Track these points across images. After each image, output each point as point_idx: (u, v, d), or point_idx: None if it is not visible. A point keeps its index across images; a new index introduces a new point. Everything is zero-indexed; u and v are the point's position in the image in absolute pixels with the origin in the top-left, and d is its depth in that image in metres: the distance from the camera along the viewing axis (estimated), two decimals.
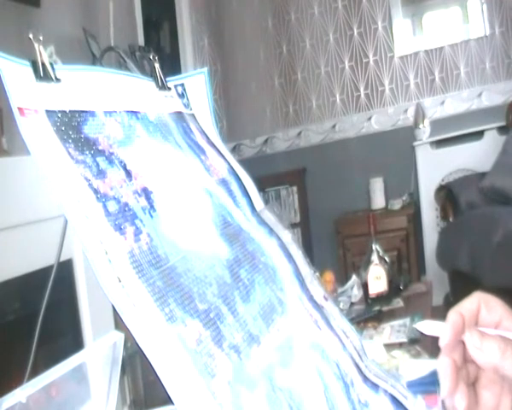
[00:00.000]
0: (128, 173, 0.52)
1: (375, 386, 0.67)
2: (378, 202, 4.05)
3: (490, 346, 0.46)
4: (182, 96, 0.71)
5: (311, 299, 0.68)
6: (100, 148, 0.51)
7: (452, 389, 0.47)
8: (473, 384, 0.50)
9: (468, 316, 0.49)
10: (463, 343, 0.48)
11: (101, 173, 0.49)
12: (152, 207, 0.52)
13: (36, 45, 0.49)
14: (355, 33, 4.14)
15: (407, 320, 1.86)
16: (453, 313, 0.49)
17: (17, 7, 2.32)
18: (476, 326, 0.49)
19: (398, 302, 2.14)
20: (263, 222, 0.69)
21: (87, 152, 0.49)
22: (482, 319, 0.49)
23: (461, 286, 3.13)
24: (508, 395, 0.48)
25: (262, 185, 3.68)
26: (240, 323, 0.53)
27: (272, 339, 0.56)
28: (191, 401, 0.43)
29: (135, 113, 0.59)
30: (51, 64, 0.50)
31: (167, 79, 0.69)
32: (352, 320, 1.06)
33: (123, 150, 0.53)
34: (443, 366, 0.48)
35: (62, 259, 0.74)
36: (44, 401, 0.59)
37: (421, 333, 0.50)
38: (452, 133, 3.83)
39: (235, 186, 0.68)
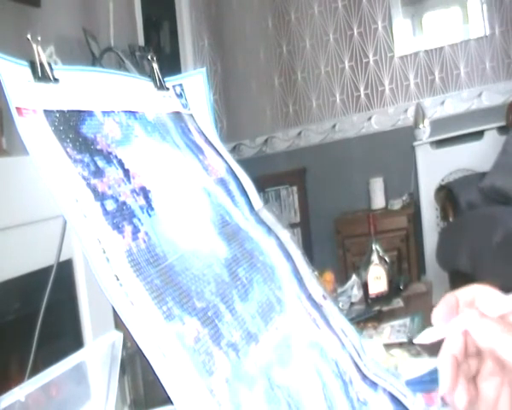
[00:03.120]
0: (126, 173, 0.52)
1: (374, 384, 0.67)
2: (378, 202, 4.05)
3: (489, 323, 0.46)
4: (180, 96, 0.71)
5: (310, 298, 0.68)
6: (98, 147, 0.51)
7: (452, 387, 0.47)
8: (473, 378, 0.50)
9: (462, 300, 0.50)
10: (465, 337, 0.48)
11: (99, 173, 0.49)
12: (150, 206, 0.52)
13: (34, 46, 0.49)
14: (355, 33, 4.14)
15: (407, 320, 1.85)
16: (447, 295, 0.50)
17: (17, 7, 2.32)
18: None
19: (398, 302, 2.14)
20: (261, 221, 0.70)
21: (85, 151, 0.49)
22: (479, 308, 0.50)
23: (461, 286, 3.12)
24: (507, 387, 0.48)
25: (262, 185, 3.68)
26: (238, 321, 0.53)
27: (271, 337, 0.56)
28: (189, 398, 0.44)
29: (133, 113, 0.59)
30: (49, 64, 0.50)
31: (166, 79, 0.69)
32: (351, 320, 1.06)
33: (121, 150, 0.54)
34: (444, 362, 0.48)
35: (62, 259, 0.74)
36: (43, 399, 0.59)
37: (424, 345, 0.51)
38: (452, 133, 3.83)
39: (233, 186, 0.68)
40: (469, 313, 0.48)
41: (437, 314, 0.50)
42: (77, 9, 2.82)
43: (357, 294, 2.17)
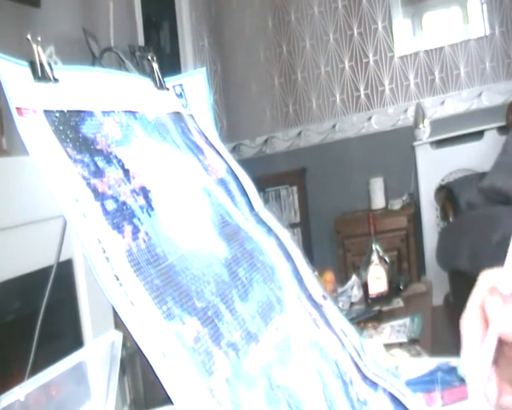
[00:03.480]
0: (126, 172, 0.52)
1: (374, 384, 0.67)
2: (378, 202, 4.05)
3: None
4: (180, 96, 0.71)
5: (310, 298, 0.68)
6: (98, 147, 0.51)
7: (487, 380, 0.45)
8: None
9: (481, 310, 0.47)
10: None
11: (99, 172, 0.49)
12: (150, 206, 0.52)
13: (34, 46, 0.49)
14: (355, 33, 4.14)
15: (407, 320, 1.86)
16: (469, 324, 0.45)
17: (17, 7, 2.32)
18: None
19: (398, 302, 2.14)
20: (261, 221, 0.70)
21: (85, 151, 0.49)
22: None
23: (461, 286, 3.13)
24: None
25: (262, 185, 3.66)
26: (238, 321, 0.53)
27: (271, 337, 0.56)
28: (189, 398, 0.44)
29: (133, 113, 0.59)
30: (49, 64, 0.50)
31: (166, 79, 0.69)
32: (351, 320, 1.06)
33: (121, 150, 0.54)
34: (481, 359, 0.45)
35: (62, 259, 0.74)
36: (43, 399, 0.59)
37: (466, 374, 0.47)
38: (452, 133, 3.83)
39: (233, 186, 0.68)
40: (491, 301, 0.45)
41: (467, 359, 0.45)
42: (77, 9, 2.82)
43: (357, 294, 2.18)
